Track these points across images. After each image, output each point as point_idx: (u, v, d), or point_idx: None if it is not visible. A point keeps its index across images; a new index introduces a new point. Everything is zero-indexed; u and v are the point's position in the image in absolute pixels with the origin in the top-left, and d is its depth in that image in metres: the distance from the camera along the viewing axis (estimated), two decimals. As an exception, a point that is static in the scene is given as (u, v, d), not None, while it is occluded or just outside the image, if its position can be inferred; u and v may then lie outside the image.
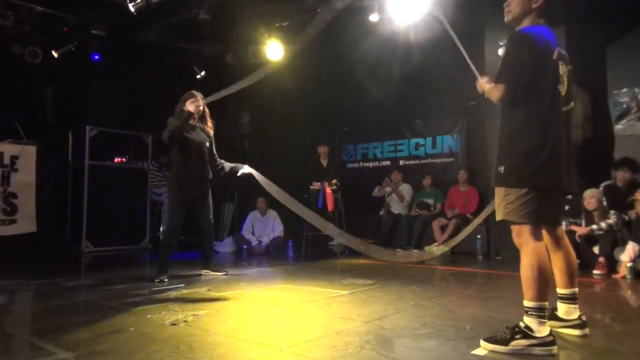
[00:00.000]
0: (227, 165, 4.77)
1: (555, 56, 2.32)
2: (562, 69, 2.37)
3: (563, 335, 2.44)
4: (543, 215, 2.29)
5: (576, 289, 2.48)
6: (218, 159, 4.75)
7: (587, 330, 2.45)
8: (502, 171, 2.31)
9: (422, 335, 2.51)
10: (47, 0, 6.35)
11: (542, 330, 2.18)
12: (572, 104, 2.42)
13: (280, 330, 2.70)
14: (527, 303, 2.22)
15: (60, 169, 6.97)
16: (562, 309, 2.50)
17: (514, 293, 3.61)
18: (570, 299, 2.48)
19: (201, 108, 4.55)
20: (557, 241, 2.49)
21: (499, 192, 2.33)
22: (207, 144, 4.60)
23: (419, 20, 6.01)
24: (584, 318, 2.47)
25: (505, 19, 2.45)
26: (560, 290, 2.50)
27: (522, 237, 2.28)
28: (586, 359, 2.22)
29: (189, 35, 7.16)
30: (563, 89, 2.35)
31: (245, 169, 4.66)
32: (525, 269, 2.24)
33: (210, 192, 4.66)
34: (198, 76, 8.10)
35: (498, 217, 2.35)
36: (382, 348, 2.29)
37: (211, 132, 4.68)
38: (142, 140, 7.75)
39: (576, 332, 2.45)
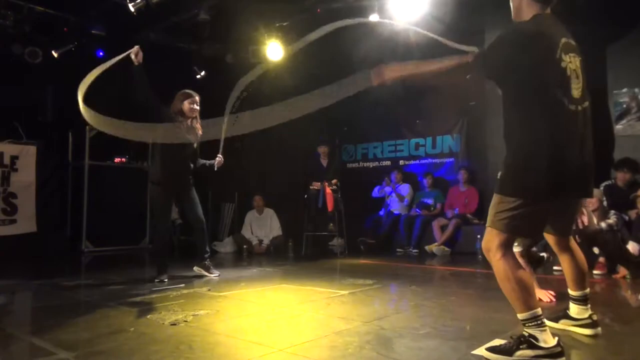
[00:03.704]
0: (201, 162, 4.69)
1: (559, 51, 2.11)
2: (575, 62, 2.16)
3: (572, 334, 2.45)
4: (537, 230, 2.21)
5: (587, 291, 2.48)
6: (200, 160, 4.67)
7: (598, 330, 2.44)
8: (498, 177, 2.20)
9: (422, 335, 2.51)
10: (47, 0, 6.35)
11: (548, 340, 2.07)
12: (586, 103, 2.29)
13: (280, 330, 2.70)
14: (520, 316, 2.12)
15: (60, 169, 6.97)
16: (573, 309, 2.51)
17: (514, 293, 3.61)
18: (580, 300, 2.48)
19: (197, 108, 4.51)
20: (564, 247, 2.44)
21: (495, 198, 2.18)
22: (195, 145, 4.54)
23: (419, 20, 6.01)
24: (594, 317, 2.46)
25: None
26: (570, 292, 2.51)
27: (492, 242, 2.14)
28: (586, 359, 2.22)
29: (189, 35, 7.16)
30: (579, 84, 2.17)
31: (218, 158, 4.60)
32: (501, 282, 2.14)
33: (193, 187, 4.57)
34: (198, 76, 8.09)
35: (487, 223, 2.21)
36: (382, 348, 2.29)
37: (199, 133, 4.53)
38: (142, 140, 7.74)
39: (587, 331, 2.44)
